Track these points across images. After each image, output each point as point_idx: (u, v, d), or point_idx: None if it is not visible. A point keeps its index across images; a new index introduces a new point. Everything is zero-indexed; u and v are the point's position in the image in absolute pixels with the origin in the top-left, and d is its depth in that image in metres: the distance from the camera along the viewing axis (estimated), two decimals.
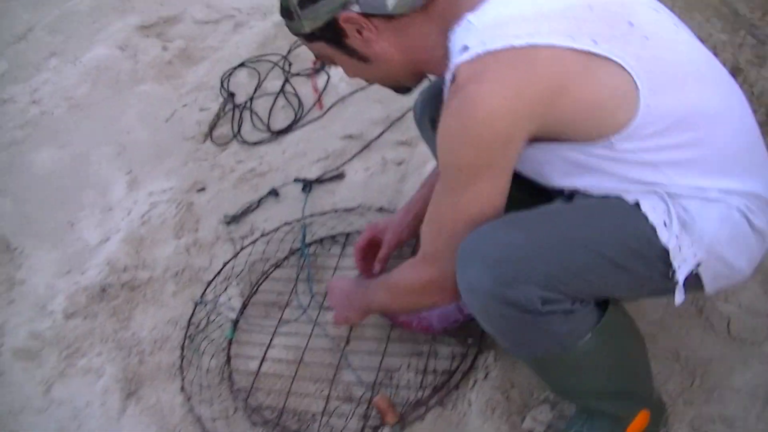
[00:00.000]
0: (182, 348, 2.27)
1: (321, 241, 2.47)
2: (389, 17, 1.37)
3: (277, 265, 2.44)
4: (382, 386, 2.01)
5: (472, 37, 1.26)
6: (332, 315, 1.96)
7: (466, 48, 1.26)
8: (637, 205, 1.32)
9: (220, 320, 2.33)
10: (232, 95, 3.26)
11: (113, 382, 2.25)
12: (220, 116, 3.19)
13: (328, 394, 2.04)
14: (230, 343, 2.25)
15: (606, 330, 1.40)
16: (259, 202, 2.70)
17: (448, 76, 1.32)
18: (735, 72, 2.26)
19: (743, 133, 1.40)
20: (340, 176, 2.69)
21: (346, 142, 2.82)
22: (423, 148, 2.51)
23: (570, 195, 1.43)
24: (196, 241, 2.66)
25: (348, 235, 2.45)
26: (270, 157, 2.92)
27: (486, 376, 1.95)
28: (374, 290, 1.74)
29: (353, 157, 2.74)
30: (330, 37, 1.43)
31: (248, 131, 3.10)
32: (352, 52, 1.45)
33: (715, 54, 2.32)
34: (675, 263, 1.31)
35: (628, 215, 1.32)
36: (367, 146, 2.76)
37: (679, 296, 1.34)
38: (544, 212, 1.37)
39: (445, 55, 1.34)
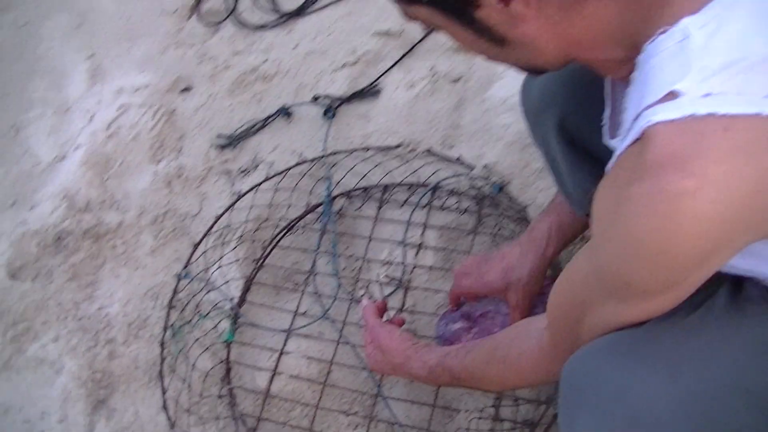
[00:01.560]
0: (161, 345, 1.69)
1: (349, 194, 1.84)
2: None
3: (288, 228, 1.82)
4: None
5: (689, 79, 0.75)
6: (369, 357, 1.43)
7: (673, 95, 0.76)
8: None
9: (212, 306, 1.75)
10: None
11: (76, 384, 1.72)
12: None
13: None
14: (229, 345, 1.68)
15: None
16: (265, 122, 2.04)
17: (630, 120, 0.83)
18: None
19: None
20: (374, 93, 2.01)
21: (381, 41, 2.11)
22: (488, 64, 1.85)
23: (737, 282, 0.97)
24: (181, 170, 2.02)
25: (386, 188, 1.82)
26: (278, 51, 2.20)
27: None
28: (454, 357, 1.28)
29: (393, 66, 2.04)
30: (450, 4, 0.88)
31: (247, 8, 2.35)
32: (481, 30, 0.91)
33: None
34: None
35: None
36: (410, 51, 2.05)
37: None
38: (695, 333, 0.92)
39: (627, 62, 0.87)
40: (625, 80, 0.88)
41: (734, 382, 0.89)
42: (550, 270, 1.45)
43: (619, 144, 0.86)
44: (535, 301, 1.44)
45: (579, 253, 0.98)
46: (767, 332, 0.93)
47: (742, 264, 0.88)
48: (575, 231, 1.45)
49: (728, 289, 0.97)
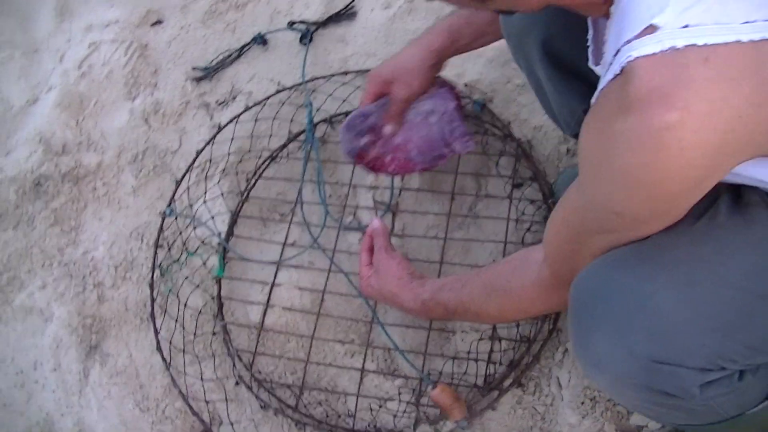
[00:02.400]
0: (150, 287, 1.66)
1: (331, 120, 1.80)
2: None
3: (272, 158, 1.78)
4: (434, 357, 1.49)
5: (667, 11, 0.79)
6: (363, 281, 1.43)
7: (652, 29, 0.79)
8: None
9: (200, 242, 1.72)
10: None
11: (67, 331, 1.69)
12: None
13: (362, 366, 1.51)
14: (219, 281, 1.65)
15: None
16: (241, 51, 1.98)
17: (611, 55, 0.85)
18: None
19: None
20: (350, 16, 1.95)
21: None
22: None
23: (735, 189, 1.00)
24: (157, 105, 1.97)
25: None
26: None
27: None
28: (449, 290, 1.29)
29: None
30: None
31: None
32: None
33: None
34: None
35: None
36: None
37: None
38: (708, 242, 0.95)
39: (605, 1, 0.89)
40: (606, 15, 0.88)
41: (748, 286, 0.92)
42: (443, 70, 1.50)
43: (602, 73, 0.87)
44: (422, 97, 1.50)
45: (570, 189, 1.00)
46: (751, 232, 0.95)
47: (742, 172, 0.88)
48: (470, 34, 1.46)
49: (728, 196, 0.98)
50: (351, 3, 1.96)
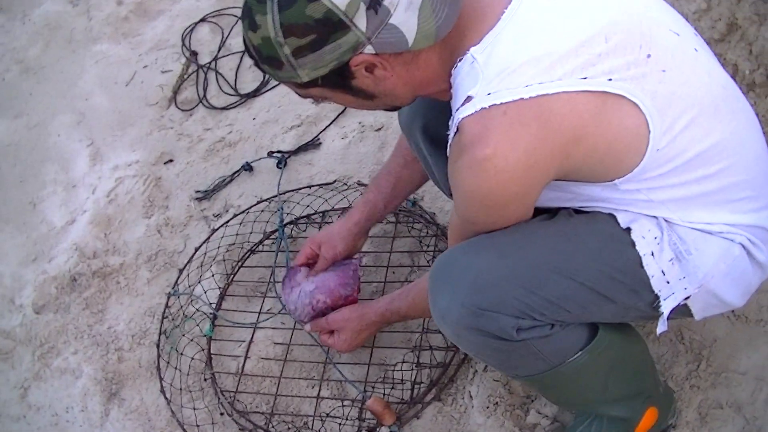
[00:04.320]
0: (157, 346, 2.15)
1: (296, 221, 2.34)
2: (400, 52, 1.24)
3: (252, 251, 2.32)
4: (374, 383, 1.93)
5: (477, 86, 1.17)
6: (337, 343, 1.86)
7: (469, 99, 1.17)
8: (629, 229, 1.28)
9: (197, 314, 2.22)
10: (194, 54, 3.07)
11: (93, 384, 2.16)
12: (184, 78, 3.00)
13: (318, 394, 1.96)
14: (210, 340, 2.14)
15: (599, 346, 1.37)
16: (232, 176, 2.56)
17: (452, 125, 1.23)
18: (732, 28, 2.12)
19: (754, 165, 1.33)
20: (316, 145, 2.55)
21: (320, 107, 2.65)
22: None
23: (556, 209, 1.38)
24: (168, 221, 2.52)
25: (324, 213, 2.33)
26: (240, 124, 2.75)
27: (486, 368, 1.87)
28: (399, 300, 1.73)
29: (330, 124, 2.58)
30: (333, 82, 1.27)
31: (214, 94, 2.92)
32: (357, 92, 1.32)
33: (708, 8, 2.18)
34: (660, 295, 1.29)
35: (614, 241, 1.29)
36: (343, 111, 2.60)
37: (661, 326, 1.32)
38: (521, 232, 1.32)
39: (449, 88, 1.28)
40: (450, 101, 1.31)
41: (545, 261, 1.28)
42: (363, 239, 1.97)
43: (450, 136, 1.25)
44: (340, 259, 1.90)
45: (452, 211, 1.42)
46: (567, 228, 1.32)
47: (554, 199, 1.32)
48: (383, 210, 1.92)
49: (545, 212, 1.36)
50: (317, 136, 2.56)
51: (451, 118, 1.23)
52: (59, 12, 3.55)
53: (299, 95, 1.36)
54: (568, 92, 1.13)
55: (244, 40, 1.28)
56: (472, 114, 1.16)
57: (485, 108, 1.14)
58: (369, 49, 1.21)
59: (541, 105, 1.13)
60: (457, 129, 1.19)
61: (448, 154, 1.25)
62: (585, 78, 1.13)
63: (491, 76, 1.16)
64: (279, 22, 1.18)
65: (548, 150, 1.15)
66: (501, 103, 1.13)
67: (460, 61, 1.23)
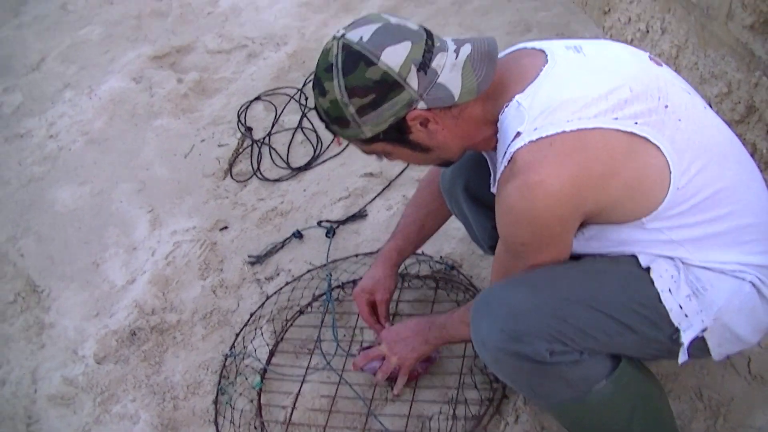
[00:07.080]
0: (215, 402, 2.32)
1: (343, 286, 2.52)
2: (449, 106, 1.45)
3: (301, 312, 2.49)
4: None
5: (525, 123, 1.36)
6: (381, 368, 2.02)
7: (519, 134, 1.35)
8: (648, 269, 1.44)
9: (250, 372, 2.38)
10: (249, 130, 3.31)
11: (150, 428, 2.31)
12: (239, 152, 3.23)
13: None
14: (260, 393, 2.30)
15: (622, 378, 1.51)
16: (283, 243, 2.75)
17: (501, 157, 1.41)
18: (750, 111, 2.32)
19: (760, 212, 1.49)
20: (362, 216, 2.75)
21: (366, 180, 2.87)
22: None
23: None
24: (222, 282, 2.71)
25: None
26: (291, 195, 2.97)
27: (516, 420, 2.01)
28: (454, 323, 1.83)
29: (376, 197, 2.79)
30: (393, 137, 1.48)
31: (268, 167, 3.15)
32: (414, 146, 1.52)
33: (729, 92, 2.39)
34: (680, 327, 1.43)
35: (635, 279, 1.45)
36: (388, 186, 2.81)
37: (682, 356, 1.46)
38: (552, 272, 1.48)
39: (494, 134, 1.48)
40: (494, 149, 1.51)
41: (573, 295, 1.44)
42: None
43: (498, 173, 1.43)
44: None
45: (498, 245, 1.56)
46: (593, 267, 1.50)
47: (588, 246, 1.50)
48: (410, 249, 2.15)
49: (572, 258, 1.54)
50: (363, 208, 2.76)
51: (495, 165, 1.46)
52: (123, 88, 3.84)
53: (364, 152, 1.57)
54: (602, 128, 1.32)
55: (316, 107, 1.51)
56: (523, 146, 1.34)
57: (533, 141, 1.33)
58: (422, 105, 1.42)
59: (580, 138, 1.32)
60: (511, 158, 1.37)
61: (495, 188, 1.44)
62: (616, 119, 1.32)
63: (536, 114, 1.35)
64: (344, 85, 1.41)
65: (588, 178, 1.32)
66: (547, 136, 1.32)
67: (506, 106, 1.42)
